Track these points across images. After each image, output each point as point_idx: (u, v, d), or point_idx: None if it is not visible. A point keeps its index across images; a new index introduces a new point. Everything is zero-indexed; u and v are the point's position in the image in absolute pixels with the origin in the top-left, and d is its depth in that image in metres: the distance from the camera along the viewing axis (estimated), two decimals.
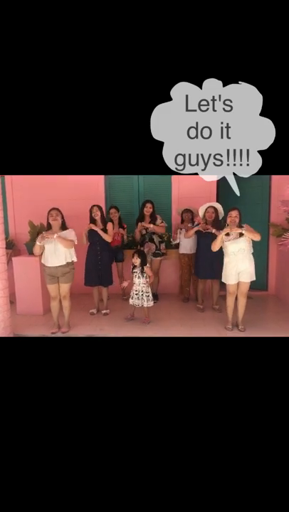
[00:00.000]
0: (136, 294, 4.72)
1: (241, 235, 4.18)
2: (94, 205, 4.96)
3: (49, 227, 4.31)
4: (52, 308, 4.51)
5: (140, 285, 4.68)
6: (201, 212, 5.06)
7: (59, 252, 4.20)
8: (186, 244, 5.38)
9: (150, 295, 4.73)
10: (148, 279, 4.69)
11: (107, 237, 4.89)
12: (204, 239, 4.86)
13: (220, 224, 4.92)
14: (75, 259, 4.35)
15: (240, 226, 4.21)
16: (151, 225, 5.27)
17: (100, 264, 4.93)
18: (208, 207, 4.98)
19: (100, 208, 4.95)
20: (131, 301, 4.77)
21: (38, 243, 4.12)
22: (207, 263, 4.88)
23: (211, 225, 4.89)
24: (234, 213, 4.20)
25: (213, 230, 4.68)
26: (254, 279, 4.30)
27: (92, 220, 4.93)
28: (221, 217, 5.04)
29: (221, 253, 4.77)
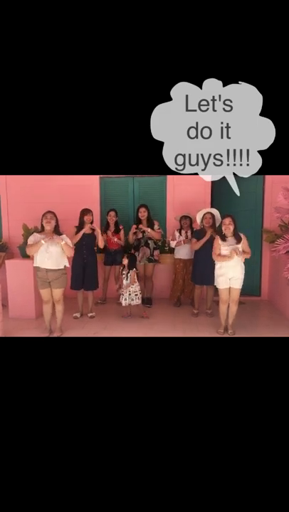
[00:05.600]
0: (129, 295, 4.93)
1: (238, 242, 4.19)
2: (88, 211, 4.95)
3: (42, 230, 4.25)
4: (44, 312, 4.44)
5: (129, 286, 4.91)
6: (198, 218, 5.07)
7: (52, 255, 4.13)
8: (182, 249, 5.38)
9: (138, 294, 4.94)
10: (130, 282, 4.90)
11: (101, 243, 5.00)
12: (203, 245, 4.87)
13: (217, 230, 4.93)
14: (67, 265, 4.31)
15: (237, 234, 4.23)
16: (149, 229, 5.29)
17: (86, 268, 4.95)
18: (206, 213, 4.99)
19: (92, 214, 4.98)
20: (124, 302, 4.95)
21: (42, 242, 4.07)
22: (206, 269, 4.88)
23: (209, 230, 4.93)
24: (227, 221, 4.23)
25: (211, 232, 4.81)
26: (241, 286, 4.32)
27: (82, 224, 4.93)
28: (218, 224, 5.06)
29: None
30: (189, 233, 5.39)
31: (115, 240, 5.48)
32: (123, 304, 4.94)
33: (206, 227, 4.96)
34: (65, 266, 4.28)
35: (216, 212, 5.04)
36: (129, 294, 4.91)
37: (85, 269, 4.96)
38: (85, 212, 4.94)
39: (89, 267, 4.98)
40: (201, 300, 5.32)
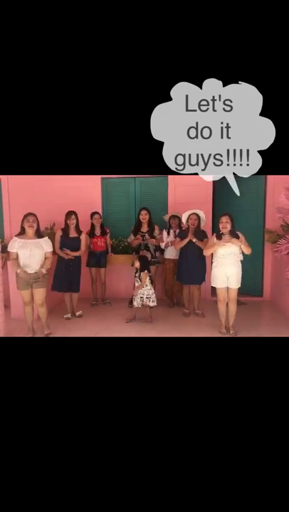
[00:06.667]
0: (140, 297, 4.85)
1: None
2: (71, 213, 4.97)
3: (23, 231, 4.22)
4: (26, 313, 4.40)
5: (144, 289, 4.83)
6: (184, 219, 5.08)
7: (36, 257, 4.14)
8: (171, 249, 5.39)
9: (151, 297, 4.83)
10: (141, 284, 4.81)
11: (84, 251, 5.13)
12: (186, 245, 4.90)
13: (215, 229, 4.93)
14: (48, 266, 4.30)
15: (234, 232, 4.22)
16: (154, 240, 5.35)
17: (72, 270, 4.96)
18: (191, 214, 5.00)
19: (76, 215, 4.99)
20: (135, 303, 4.87)
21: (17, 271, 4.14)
22: (190, 268, 4.94)
23: (193, 231, 4.95)
24: (224, 219, 4.21)
25: (194, 240, 4.84)
26: (239, 285, 4.29)
27: (68, 227, 4.96)
28: (202, 225, 5.09)
29: (202, 258, 4.83)
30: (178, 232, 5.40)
31: (103, 242, 5.56)
32: (135, 305, 4.87)
33: (191, 228, 4.98)
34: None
35: (201, 213, 5.06)
36: (141, 297, 4.84)
37: (70, 272, 4.97)
38: (67, 215, 4.97)
39: (74, 269, 5.01)
40: (191, 300, 5.35)
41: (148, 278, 4.81)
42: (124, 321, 4.94)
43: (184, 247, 4.95)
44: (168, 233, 5.47)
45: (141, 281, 4.79)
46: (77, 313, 5.22)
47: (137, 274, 4.85)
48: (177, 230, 5.38)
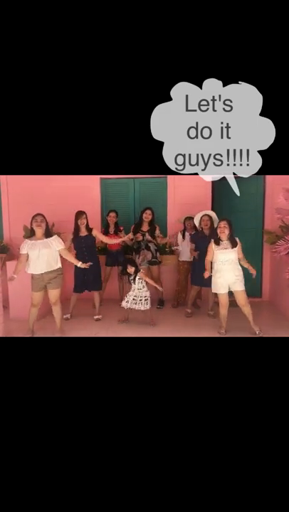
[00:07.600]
0: (133, 299, 4.74)
1: (233, 246, 4.20)
2: (82, 213, 4.91)
3: (32, 232, 4.19)
4: (30, 314, 4.36)
5: (135, 291, 4.75)
6: (196, 221, 5.08)
7: (44, 258, 4.09)
8: (186, 251, 5.37)
9: (148, 299, 4.76)
10: (144, 284, 4.73)
11: (106, 239, 5.15)
12: (202, 246, 4.86)
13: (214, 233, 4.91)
14: (59, 265, 4.26)
15: (233, 238, 4.25)
16: (167, 239, 5.47)
17: (88, 270, 4.81)
18: (203, 215, 5.00)
19: (86, 215, 4.94)
20: (125, 304, 4.77)
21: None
22: (202, 270, 4.88)
23: (208, 232, 4.95)
24: (222, 224, 4.23)
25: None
26: (243, 288, 4.31)
27: (78, 228, 4.91)
28: (216, 225, 5.05)
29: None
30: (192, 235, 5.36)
31: (119, 240, 5.48)
32: (124, 306, 4.80)
33: (204, 229, 4.97)
34: (59, 267, 4.25)
35: (213, 214, 5.06)
36: (140, 299, 4.74)
37: (88, 271, 4.85)
38: (79, 215, 4.89)
39: (91, 268, 4.83)
40: (203, 301, 5.30)
41: (139, 279, 4.72)
42: (118, 321, 4.90)
43: (201, 248, 4.86)
44: (183, 236, 5.46)
45: (144, 280, 4.73)
46: (96, 317, 5.05)
47: (131, 278, 4.73)
48: (192, 232, 5.35)
